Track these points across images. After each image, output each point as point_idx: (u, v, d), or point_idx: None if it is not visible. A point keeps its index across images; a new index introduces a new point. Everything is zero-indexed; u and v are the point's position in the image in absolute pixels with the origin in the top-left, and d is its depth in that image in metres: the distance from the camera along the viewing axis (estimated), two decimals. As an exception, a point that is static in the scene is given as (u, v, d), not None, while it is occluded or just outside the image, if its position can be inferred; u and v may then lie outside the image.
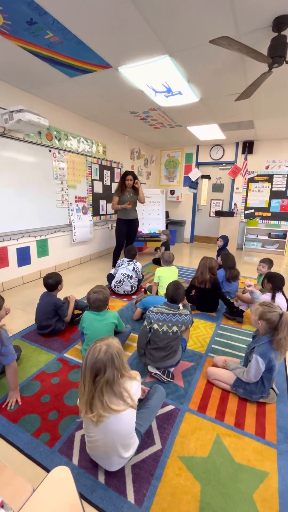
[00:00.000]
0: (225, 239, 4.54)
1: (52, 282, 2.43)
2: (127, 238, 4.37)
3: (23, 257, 3.68)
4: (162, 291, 3.03)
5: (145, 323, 1.96)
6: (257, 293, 2.57)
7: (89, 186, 4.84)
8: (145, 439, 1.42)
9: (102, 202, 5.27)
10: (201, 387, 1.86)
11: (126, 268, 3.39)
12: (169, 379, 1.88)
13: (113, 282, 3.42)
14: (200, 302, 3.00)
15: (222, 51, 2.27)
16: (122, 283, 3.38)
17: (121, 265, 3.44)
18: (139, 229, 4.99)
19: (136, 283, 3.45)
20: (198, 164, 6.88)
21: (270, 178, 6.10)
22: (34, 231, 3.77)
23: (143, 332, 1.98)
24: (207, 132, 5.31)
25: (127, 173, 4.10)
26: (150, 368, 1.93)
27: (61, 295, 2.57)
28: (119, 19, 1.94)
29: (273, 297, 2.43)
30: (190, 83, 3.03)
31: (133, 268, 3.39)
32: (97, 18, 1.95)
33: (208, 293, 2.91)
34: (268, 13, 1.86)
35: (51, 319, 2.39)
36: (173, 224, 7.10)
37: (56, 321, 2.42)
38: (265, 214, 6.28)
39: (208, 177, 6.94)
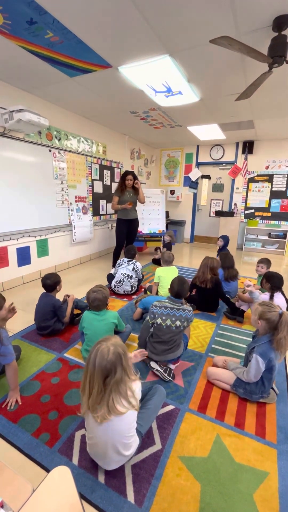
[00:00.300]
0: (225, 239, 4.54)
1: (51, 282, 2.42)
2: (127, 238, 4.37)
3: (23, 257, 3.68)
4: (162, 291, 3.04)
5: (148, 317, 1.97)
6: (256, 293, 2.57)
7: (89, 186, 4.84)
8: (145, 439, 1.42)
9: (102, 202, 5.27)
10: (201, 387, 1.86)
11: (126, 268, 3.38)
12: (170, 378, 1.88)
13: (113, 282, 3.42)
14: (201, 301, 3.00)
15: (222, 51, 2.27)
16: (122, 283, 3.37)
17: (121, 265, 3.44)
18: (139, 229, 4.99)
19: (136, 283, 3.45)
20: (198, 164, 6.88)
21: (270, 178, 6.10)
22: (34, 231, 3.77)
23: (145, 326, 2.00)
24: (207, 132, 5.31)
25: (127, 173, 4.10)
26: (152, 364, 1.94)
27: (61, 294, 2.57)
28: (119, 18, 1.94)
29: (271, 297, 2.43)
30: (190, 83, 3.03)
31: (133, 268, 3.39)
32: (98, 18, 1.94)
33: (209, 293, 2.91)
34: (268, 12, 1.85)
35: (50, 320, 2.38)
36: (173, 224, 7.10)
37: (55, 321, 2.41)
38: (265, 214, 6.28)
39: (208, 177, 6.94)
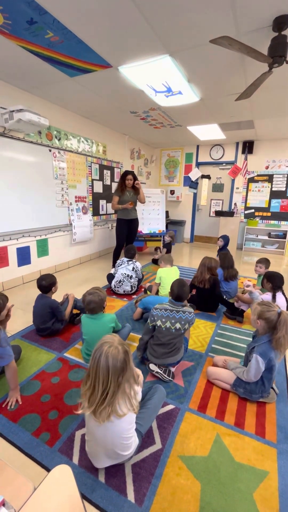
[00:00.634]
0: (225, 239, 4.54)
1: (46, 284, 2.38)
2: (127, 238, 4.37)
3: (23, 257, 3.68)
4: (163, 291, 3.04)
5: (148, 321, 1.97)
6: (256, 293, 2.57)
7: (89, 186, 4.84)
8: (145, 439, 1.43)
9: (102, 202, 5.27)
10: (201, 386, 1.86)
11: (125, 268, 3.39)
12: (170, 378, 1.88)
13: (113, 282, 3.42)
14: (200, 301, 3.00)
15: (223, 51, 2.27)
16: (122, 283, 3.38)
17: (121, 265, 3.44)
18: (139, 229, 4.99)
19: (136, 283, 3.45)
20: (198, 164, 6.88)
21: (270, 178, 6.10)
22: (34, 230, 3.77)
23: (146, 329, 2.02)
24: (207, 132, 5.31)
25: (127, 172, 4.10)
26: (152, 367, 1.93)
27: (60, 294, 2.57)
28: (120, 18, 1.94)
29: (273, 297, 2.43)
30: (190, 83, 3.03)
31: (133, 268, 3.39)
32: (98, 18, 1.95)
33: (207, 293, 2.92)
34: (268, 13, 1.86)
35: (48, 322, 2.37)
36: (173, 224, 7.10)
37: (53, 322, 2.40)
38: (265, 214, 6.28)
39: (208, 177, 6.94)
